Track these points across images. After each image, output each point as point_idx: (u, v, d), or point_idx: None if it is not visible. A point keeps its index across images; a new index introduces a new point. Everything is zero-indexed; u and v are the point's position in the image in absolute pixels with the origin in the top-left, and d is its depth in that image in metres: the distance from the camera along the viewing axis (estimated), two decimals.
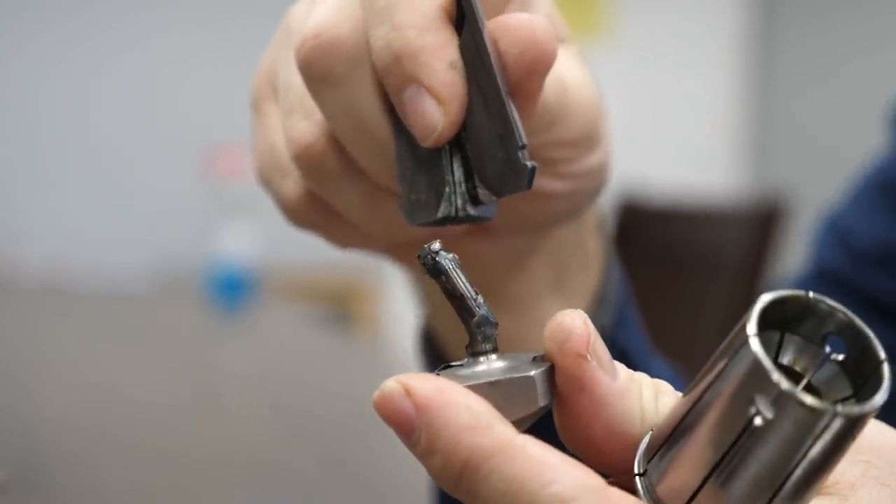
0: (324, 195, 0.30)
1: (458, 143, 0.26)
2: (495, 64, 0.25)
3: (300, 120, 0.29)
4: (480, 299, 0.22)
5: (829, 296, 0.48)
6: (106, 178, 2.98)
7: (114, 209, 2.98)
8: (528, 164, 0.25)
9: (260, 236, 1.59)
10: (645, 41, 3.23)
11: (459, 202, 0.26)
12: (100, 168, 2.98)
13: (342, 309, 2.76)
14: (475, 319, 0.22)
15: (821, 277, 0.54)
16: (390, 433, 0.21)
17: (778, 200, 1.62)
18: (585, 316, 0.20)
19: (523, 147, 0.25)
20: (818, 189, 1.67)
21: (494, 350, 0.22)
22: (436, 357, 0.39)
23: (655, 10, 3.26)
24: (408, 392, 0.19)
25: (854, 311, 0.50)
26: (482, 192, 0.26)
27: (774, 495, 0.18)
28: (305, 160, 0.28)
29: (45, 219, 2.88)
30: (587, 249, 0.38)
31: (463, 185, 0.26)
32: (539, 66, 0.25)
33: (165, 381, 1.13)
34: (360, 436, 0.92)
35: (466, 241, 0.34)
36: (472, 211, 0.26)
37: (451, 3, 0.26)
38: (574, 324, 0.20)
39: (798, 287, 0.53)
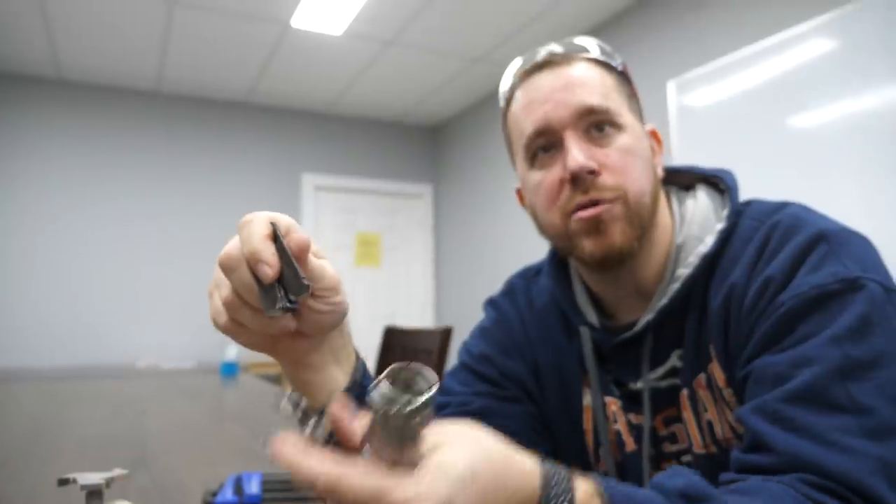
0: (235, 316, 0.53)
1: (280, 281, 0.48)
2: (289, 250, 0.48)
3: (223, 290, 0.52)
4: None
5: (467, 380, 1.00)
6: None
7: None
8: (307, 283, 0.46)
9: None
10: (395, 264, 5.62)
11: (283, 303, 0.47)
12: None
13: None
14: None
15: (465, 370, 0.89)
16: None
17: (450, 326, 2.25)
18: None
19: (304, 278, 0.47)
20: (470, 323, 3.67)
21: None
22: (306, 415, 0.59)
23: (398, 245, 5.58)
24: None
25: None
26: (292, 297, 0.47)
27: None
28: (227, 303, 0.52)
29: None
30: (348, 349, 0.63)
31: (284, 296, 0.47)
32: (305, 245, 0.49)
33: None
34: None
35: (292, 340, 0.58)
36: (289, 305, 0.47)
37: (271, 233, 0.50)
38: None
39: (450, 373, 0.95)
